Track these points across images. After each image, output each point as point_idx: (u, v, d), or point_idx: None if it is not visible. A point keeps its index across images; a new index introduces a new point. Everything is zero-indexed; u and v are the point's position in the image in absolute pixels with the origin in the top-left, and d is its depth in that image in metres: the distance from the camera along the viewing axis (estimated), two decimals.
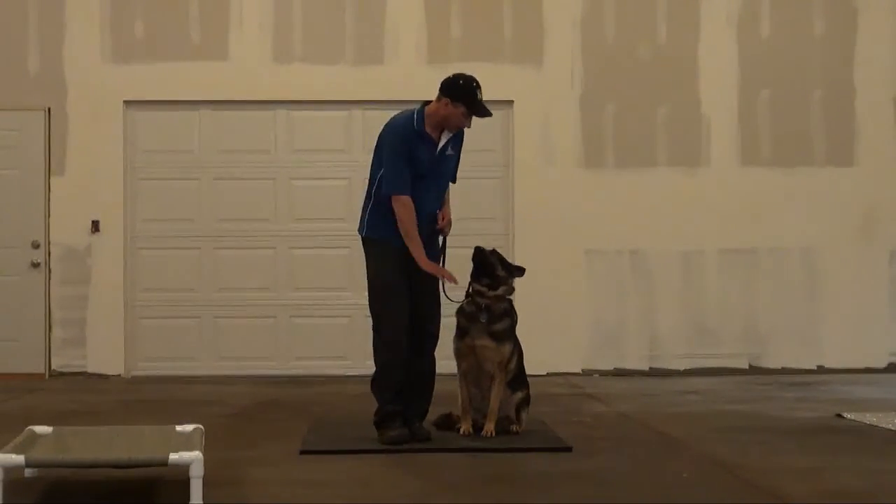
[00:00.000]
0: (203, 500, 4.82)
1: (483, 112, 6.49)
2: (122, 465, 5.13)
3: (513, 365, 6.75)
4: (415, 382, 6.51)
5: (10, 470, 4.84)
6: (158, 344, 10.57)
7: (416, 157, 6.42)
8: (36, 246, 10.44)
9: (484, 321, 6.62)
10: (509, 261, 7.05)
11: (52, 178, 10.45)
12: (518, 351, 6.85)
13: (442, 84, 6.49)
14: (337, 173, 10.56)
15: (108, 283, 10.48)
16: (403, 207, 6.35)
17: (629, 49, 10.69)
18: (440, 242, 6.66)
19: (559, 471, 5.78)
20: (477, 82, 6.50)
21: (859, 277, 10.75)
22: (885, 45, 10.77)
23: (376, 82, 10.51)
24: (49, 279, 10.44)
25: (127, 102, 10.52)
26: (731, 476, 5.68)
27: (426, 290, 6.54)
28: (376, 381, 6.54)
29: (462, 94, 6.43)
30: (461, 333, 6.66)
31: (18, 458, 4.87)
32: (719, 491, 5.35)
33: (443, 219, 6.60)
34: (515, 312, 6.87)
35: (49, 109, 10.46)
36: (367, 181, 6.65)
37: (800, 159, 10.75)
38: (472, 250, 6.75)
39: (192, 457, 4.85)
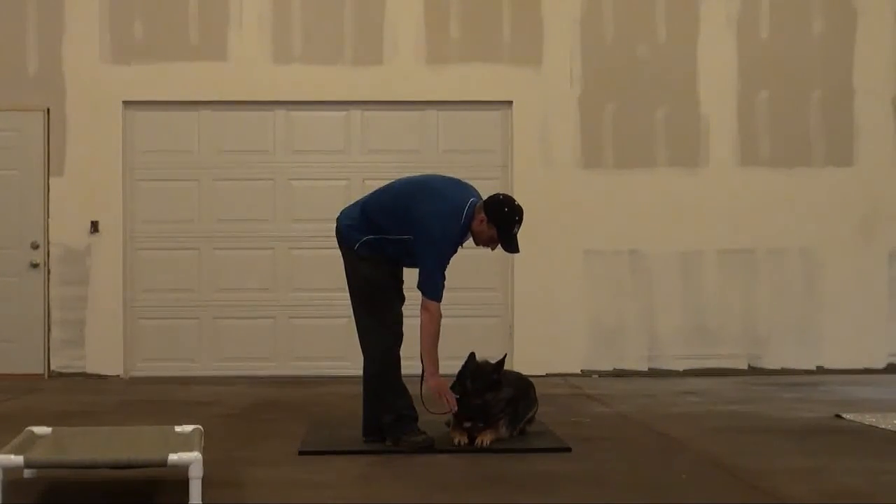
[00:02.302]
0: (202, 500, 4.82)
1: (512, 248, 6.36)
2: (121, 466, 5.13)
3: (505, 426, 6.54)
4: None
5: (9, 471, 4.84)
6: (157, 344, 10.58)
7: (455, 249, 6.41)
8: (35, 246, 10.44)
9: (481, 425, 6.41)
10: (490, 364, 6.52)
11: (51, 178, 10.46)
12: (519, 400, 6.64)
13: (490, 206, 6.29)
14: (336, 174, 10.57)
15: (108, 283, 10.48)
16: (434, 318, 6.20)
17: (628, 49, 10.70)
18: None
19: (558, 471, 5.78)
20: (521, 216, 6.34)
21: (858, 278, 10.76)
22: (884, 47, 10.79)
23: (375, 83, 10.52)
24: (48, 280, 10.45)
25: (126, 103, 10.53)
26: (729, 476, 5.68)
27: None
28: (384, 390, 6.40)
29: (502, 221, 6.28)
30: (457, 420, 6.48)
31: (17, 459, 4.87)
32: (718, 491, 5.35)
33: None
34: (503, 383, 6.54)
35: (48, 110, 10.47)
36: (364, 188, 6.73)
37: (799, 160, 10.76)
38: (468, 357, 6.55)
39: (191, 457, 4.85)
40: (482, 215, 6.26)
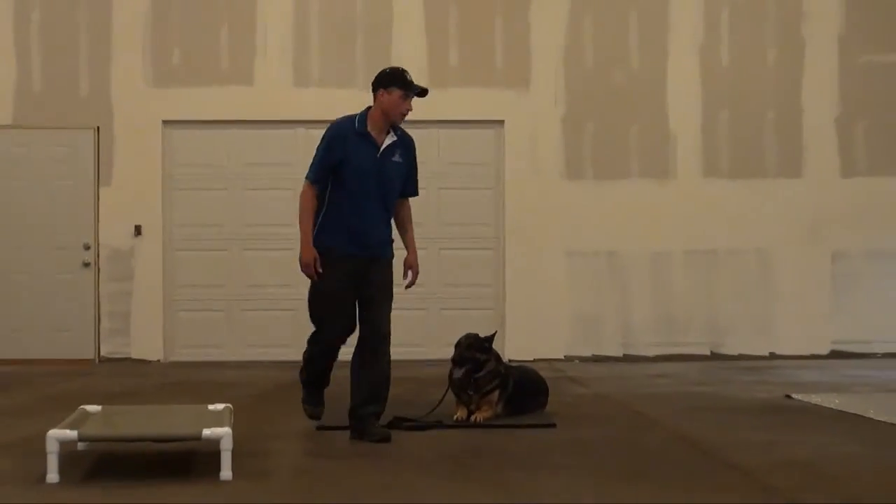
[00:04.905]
0: (232, 469, 4.83)
1: (416, 88, 5.85)
2: (161, 440, 5.18)
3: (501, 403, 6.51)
4: (373, 384, 5.89)
5: (64, 444, 4.86)
6: (193, 333, 10.58)
7: (354, 156, 5.78)
8: (87, 248, 10.45)
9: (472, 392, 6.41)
10: (482, 336, 6.52)
11: (100, 188, 10.47)
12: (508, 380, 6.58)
13: (373, 82, 5.89)
14: None
15: (149, 280, 10.49)
16: (305, 194, 5.84)
17: (606, 75, 10.71)
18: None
19: (545, 443, 5.78)
20: (404, 69, 5.93)
21: (806, 275, 10.76)
22: (829, 73, 10.78)
23: None
24: (98, 277, 10.46)
25: (165, 122, 10.54)
26: (695, 448, 5.68)
27: (374, 294, 5.87)
28: (304, 370, 6.19)
29: (391, 79, 5.82)
30: (455, 392, 6.45)
31: (72, 434, 4.90)
32: (685, 461, 5.35)
33: (410, 268, 6.01)
34: (498, 360, 6.55)
35: (98, 128, 10.47)
36: None
37: (755, 172, 10.76)
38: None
39: (222, 432, 4.86)
40: (379, 92, 5.82)
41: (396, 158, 5.90)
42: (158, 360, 10.46)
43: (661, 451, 5.62)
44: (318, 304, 5.92)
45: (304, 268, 5.83)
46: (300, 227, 5.83)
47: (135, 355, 10.45)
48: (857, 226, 10.75)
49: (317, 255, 5.79)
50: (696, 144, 10.73)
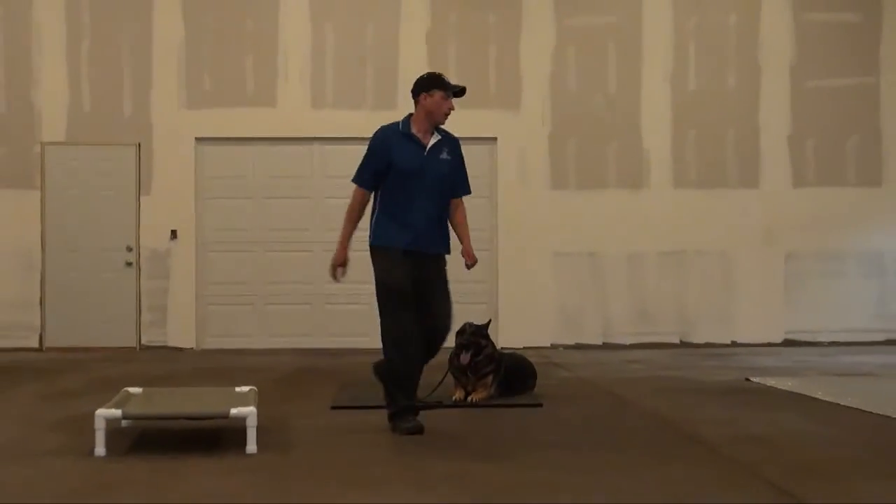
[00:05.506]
0: (256, 444, 4.85)
1: (455, 88, 5.51)
2: (194, 417, 5.19)
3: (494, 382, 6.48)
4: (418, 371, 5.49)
5: (110, 421, 4.88)
6: (221, 324, 10.58)
7: (400, 156, 5.40)
8: (129, 250, 10.46)
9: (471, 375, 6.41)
10: (479, 324, 6.55)
11: (141, 197, 10.47)
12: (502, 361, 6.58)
13: (413, 88, 5.55)
14: None
15: (184, 278, 10.50)
16: (353, 197, 5.51)
17: (587, 98, 10.72)
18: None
19: (533, 421, 5.79)
20: (440, 73, 5.65)
21: (762, 273, 10.77)
22: (782, 96, 10.80)
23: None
24: (139, 275, 10.46)
25: (198, 139, 10.54)
26: (666, 424, 5.70)
27: (433, 290, 5.46)
28: (387, 377, 5.52)
29: (431, 82, 5.49)
30: (454, 375, 6.44)
31: (117, 412, 4.93)
32: (657, 436, 5.36)
33: (467, 254, 5.57)
34: (492, 345, 6.56)
35: (139, 144, 10.48)
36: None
37: (718, 183, 10.77)
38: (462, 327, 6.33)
39: (248, 411, 4.88)
40: (421, 96, 5.48)
41: (444, 156, 5.53)
42: (191, 348, 10.46)
43: (636, 428, 5.63)
44: (384, 299, 5.40)
45: (330, 268, 5.59)
46: (342, 229, 5.55)
47: (171, 344, 10.45)
48: (806, 230, 10.76)
49: (344, 261, 5.52)
50: (666, 159, 10.74)
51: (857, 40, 10.79)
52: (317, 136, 10.61)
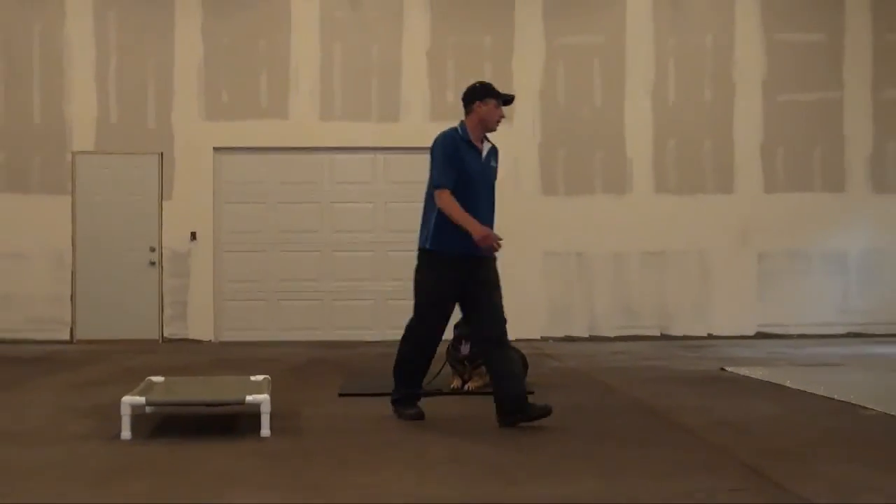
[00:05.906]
0: (270, 428, 4.85)
1: (506, 97, 5.29)
2: (212, 404, 5.18)
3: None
4: (503, 369, 5.14)
5: (135, 407, 4.88)
6: (238, 318, 10.57)
7: (466, 163, 5.14)
8: (152, 250, 10.45)
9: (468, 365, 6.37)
10: None
11: (163, 202, 10.46)
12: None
13: (466, 97, 5.30)
14: (365, 199, 10.56)
15: (203, 276, 10.48)
16: (447, 198, 5.06)
17: (574, 111, 10.71)
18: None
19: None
20: (489, 82, 5.40)
21: (737, 272, 10.77)
22: (754, 109, 10.80)
23: (393, 134, 10.53)
24: (161, 273, 10.45)
25: (216, 148, 10.53)
26: (647, 410, 5.69)
27: (489, 291, 5.21)
28: (397, 367, 5.34)
29: (485, 91, 5.26)
30: (452, 365, 6.38)
31: (141, 399, 4.92)
32: (639, 421, 5.36)
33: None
34: None
35: (161, 153, 10.47)
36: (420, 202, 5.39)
37: (696, 188, 10.77)
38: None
39: (262, 398, 4.88)
40: (475, 105, 5.24)
41: (493, 163, 5.34)
42: (210, 341, 10.45)
43: (620, 414, 5.62)
44: (424, 297, 5.17)
45: (484, 241, 5.04)
46: (460, 220, 5.02)
47: (191, 336, 10.44)
48: (777, 232, 10.75)
49: (490, 230, 5.11)
50: (648, 166, 10.73)
51: (822, 59, 10.80)
52: (326, 146, 10.59)
